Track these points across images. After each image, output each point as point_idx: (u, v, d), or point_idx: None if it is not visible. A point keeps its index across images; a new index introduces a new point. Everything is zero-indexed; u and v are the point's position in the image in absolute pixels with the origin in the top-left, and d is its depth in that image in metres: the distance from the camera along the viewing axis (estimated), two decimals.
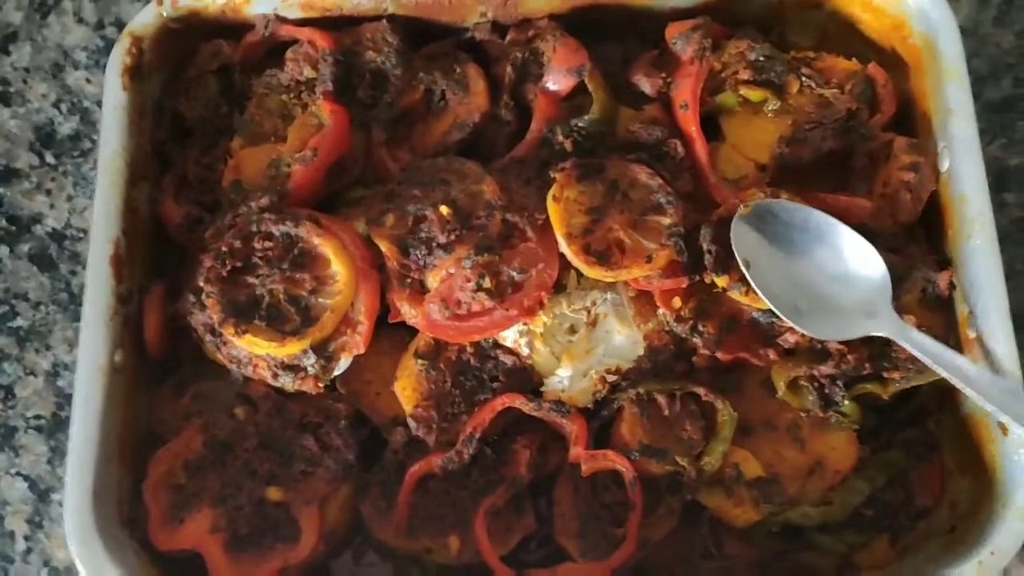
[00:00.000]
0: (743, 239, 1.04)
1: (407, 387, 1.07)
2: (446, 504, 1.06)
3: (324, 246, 1.06)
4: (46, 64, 1.33)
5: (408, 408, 1.07)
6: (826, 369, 1.04)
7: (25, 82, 1.32)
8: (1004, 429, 0.98)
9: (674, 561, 1.07)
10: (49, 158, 1.30)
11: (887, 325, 1.02)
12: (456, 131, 1.15)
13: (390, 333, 1.11)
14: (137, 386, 1.09)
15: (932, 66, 1.10)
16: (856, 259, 1.05)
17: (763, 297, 1.03)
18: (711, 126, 1.15)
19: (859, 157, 1.12)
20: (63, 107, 1.32)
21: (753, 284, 1.03)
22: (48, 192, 1.28)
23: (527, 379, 1.08)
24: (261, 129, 1.17)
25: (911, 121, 1.15)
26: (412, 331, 1.10)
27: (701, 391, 1.05)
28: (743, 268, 1.03)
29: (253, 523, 1.05)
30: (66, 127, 1.31)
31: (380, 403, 1.10)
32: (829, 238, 1.06)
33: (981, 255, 1.02)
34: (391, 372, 1.10)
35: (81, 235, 1.26)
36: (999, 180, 1.22)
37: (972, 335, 1.02)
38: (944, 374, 0.98)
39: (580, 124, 1.13)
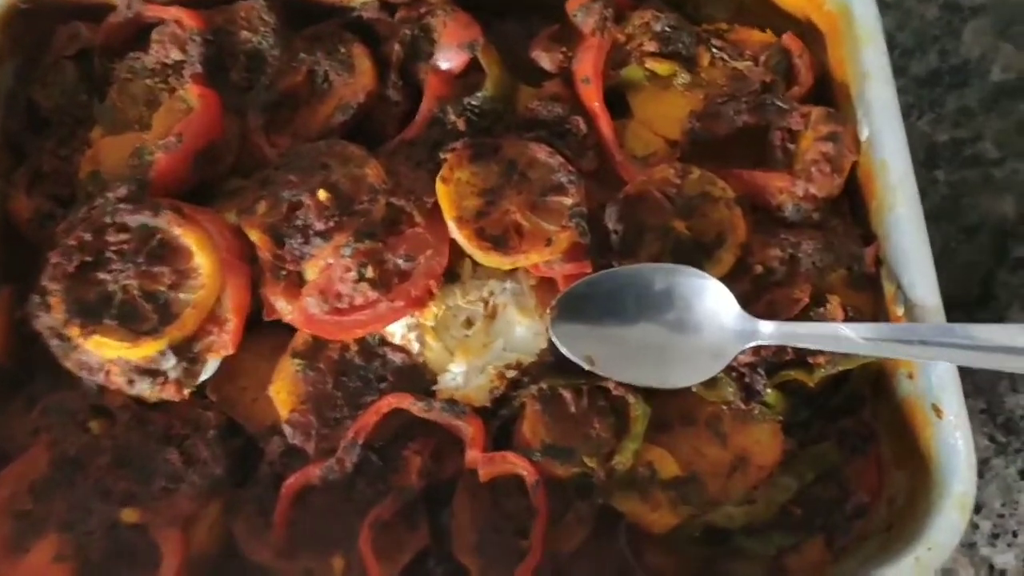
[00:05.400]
0: (570, 338, 0.94)
1: (282, 390, 0.96)
2: (329, 519, 0.95)
3: (185, 236, 0.95)
4: None
5: (284, 413, 0.96)
6: (745, 357, 0.95)
7: None
8: (939, 411, 0.89)
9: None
10: None
11: (758, 335, 0.93)
12: (340, 113, 1.06)
13: (269, 335, 1.00)
14: None
15: (848, 32, 1.02)
16: (688, 289, 0.95)
17: (623, 381, 0.94)
18: (618, 102, 1.07)
19: (776, 131, 1.04)
20: None
21: (608, 376, 0.94)
22: None
23: (419, 378, 0.98)
24: (124, 117, 1.06)
25: (830, 94, 1.07)
26: (294, 332, 0.99)
27: (611, 385, 0.95)
28: (588, 367, 0.94)
29: (106, 550, 0.92)
30: None
31: (256, 410, 0.98)
32: (655, 286, 0.96)
33: (905, 224, 0.94)
34: (269, 377, 0.98)
35: None
36: (929, 156, 1.15)
37: (900, 312, 0.93)
38: (826, 347, 0.92)
39: (473, 102, 1.04)
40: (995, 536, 1.02)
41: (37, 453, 0.95)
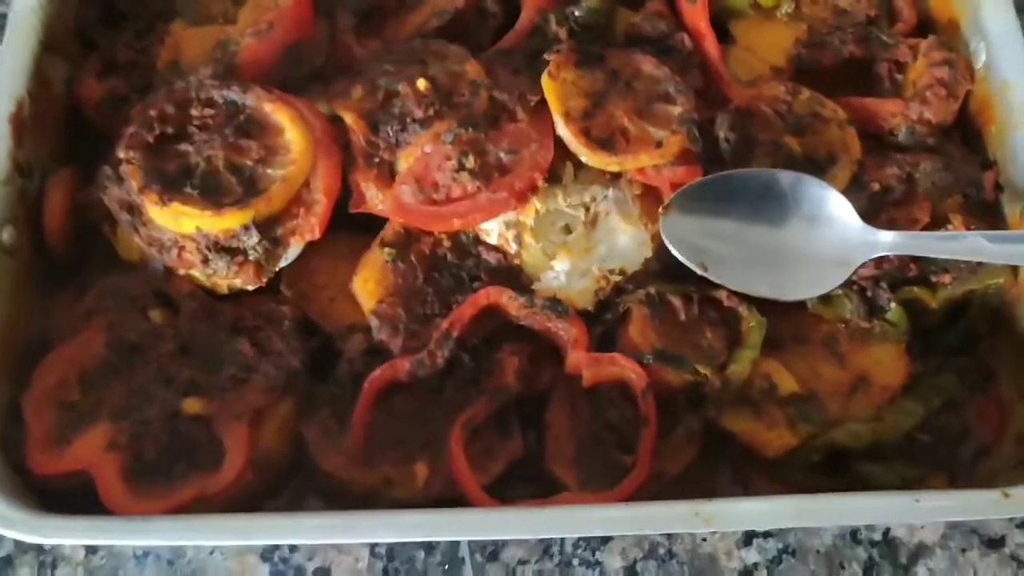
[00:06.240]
0: (682, 239, 0.88)
1: (369, 279, 0.89)
2: (413, 424, 0.86)
3: (276, 113, 0.89)
4: None
5: (370, 304, 0.88)
6: (866, 271, 0.89)
7: None
8: None
9: None
10: None
11: (881, 245, 0.88)
12: (435, 19, 1.01)
13: (349, 236, 0.93)
14: (29, 281, 0.89)
15: None
16: (808, 197, 0.90)
17: (737, 289, 0.88)
18: (719, 31, 1.03)
19: (883, 62, 1.02)
20: None
21: (720, 283, 0.88)
22: None
23: (515, 280, 0.90)
24: (207, 11, 1.02)
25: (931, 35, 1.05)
26: (375, 234, 0.92)
27: (722, 295, 0.89)
28: (700, 271, 0.88)
29: (163, 443, 0.83)
30: None
31: (334, 310, 0.91)
32: (773, 191, 0.91)
33: None
34: (348, 278, 0.91)
35: None
36: None
37: None
38: (954, 255, 0.87)
39: (576, 12, 1.00)
40: None
41: (90, 336, 0.86)
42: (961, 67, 0.98)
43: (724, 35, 1.04)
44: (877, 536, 0.91)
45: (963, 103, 0.99)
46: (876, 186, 0.93)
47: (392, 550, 0.89)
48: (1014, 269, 0.90)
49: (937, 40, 1.00)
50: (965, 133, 1.00)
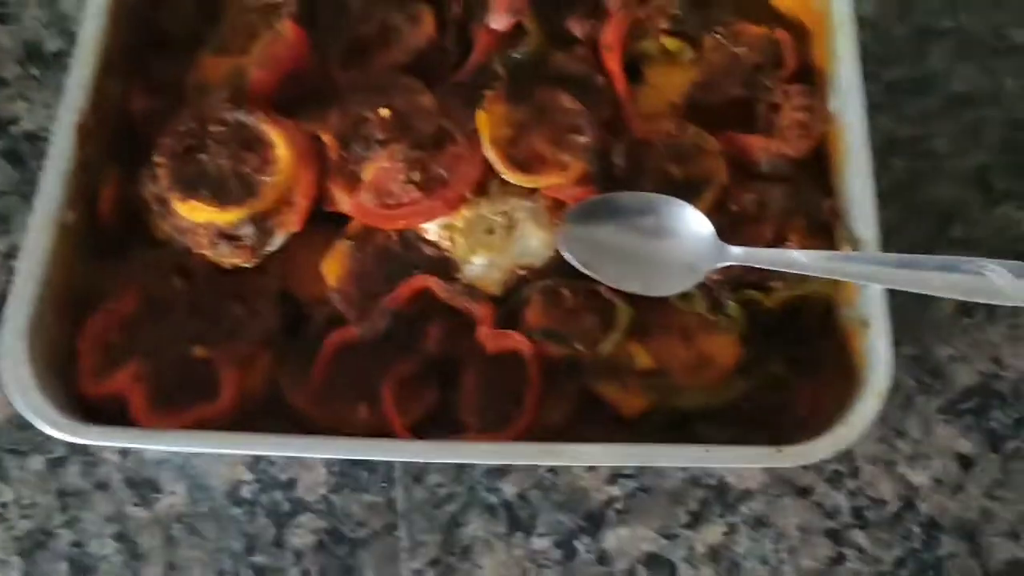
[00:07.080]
0: (573, 244, 1.13)
1: (334, 263, 1.17)
2: (359, 376, 1.14)
3: (271, 132, 1.17)
4: None
5: (332, 282, 1.16)
6: (715, 276, 1.14)
7: (20, 5, 1.45)
8: (866, 324, 1.08)
9: None
10: (33, 71, 1.42)
11: (727, 255, 1.11)
12: (404, 55, 1.28)
13: (324, 232, 1.20)
14: (84, 253, 1.17)
15: (828, 26, 1.24)
16: (674, 214, 1.14)
17: (613, 286, 1.13)
18: (634, 71, 1.28)
19: (762, 105, 1.25)
20: (53, 29, 1.44)
21: (601, 280, 1.13)
22: (28, 99, 1.40)
23: (445, 270, 1.17)
24: (227, 44, 1.29)
25: (812, 80, 1.28)
26: (342, 229, 1.20)
27: (602, 289, 1.15)
28: (584, 270, 1.13)
29: (177, 380, 1.12)
30: (52, 45, 1.43)
31: (307, 286, 1.18)
32: (647, 209, 1.15)
33: (856, 174, 1.14)
34: (319, 262, 1.19)
35: None
36: (890, 146, 1.34)
37: (848, 249, 1.12)
38: (780, 268, 1.10)
39: (516, 55, 1.26)
40: (913, 458, 1.19)
41: (129, 296, 1.16)
42: (819, 111, 1.21)
43: (639, 75, 1.29)
44: (713, 482, 1.18)
45: (822, 141, 1.22)
46: (734, 208, 1.18)
47: (343, 470, 1.18)
48: (835, 280, 1.14)
49: (803, 87, 1.23)
50: (821, 168, 1.23)
